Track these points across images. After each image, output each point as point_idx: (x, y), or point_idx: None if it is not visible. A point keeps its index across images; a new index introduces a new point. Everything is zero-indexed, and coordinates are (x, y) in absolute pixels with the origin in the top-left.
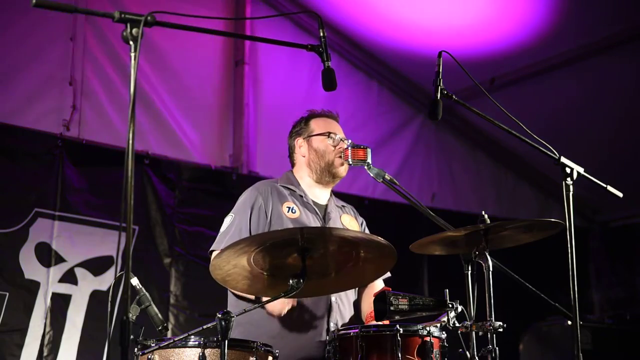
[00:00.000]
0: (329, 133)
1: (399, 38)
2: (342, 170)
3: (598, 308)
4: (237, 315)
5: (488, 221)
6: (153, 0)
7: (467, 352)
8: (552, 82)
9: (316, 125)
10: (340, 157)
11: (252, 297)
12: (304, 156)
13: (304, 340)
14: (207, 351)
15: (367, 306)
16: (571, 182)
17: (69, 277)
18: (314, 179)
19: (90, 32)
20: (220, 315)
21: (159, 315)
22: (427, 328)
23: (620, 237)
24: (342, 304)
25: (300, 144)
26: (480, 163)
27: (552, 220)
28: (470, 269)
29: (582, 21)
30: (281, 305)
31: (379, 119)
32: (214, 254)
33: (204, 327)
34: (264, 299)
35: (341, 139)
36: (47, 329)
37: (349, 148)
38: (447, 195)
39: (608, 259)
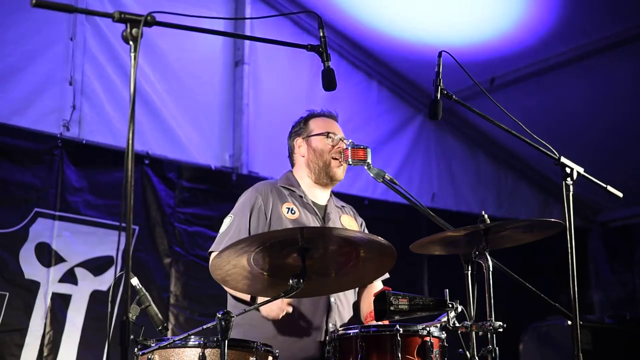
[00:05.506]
0: (328, 133)
1: (399, 38)
2: (339, 172)
3: (598, 308)
4: (237, 315)
5: (488, 221)
6: (153, 0)
7: (467, 352)
8: (552, 82)
9: (315, 125)
10: (338, 158)
11: (248, 298)
12: (303, 156)
13: (302, 341)
14: (207, 351)
15: (367, 306)
16: (571, 182)
17: (69, 277)
18: (313, 179)
19: (90, 32)
20: (220, 315)
21: (159, 315)
22: (427, 328)
23: (620, 237)
24: (342, 305)
25: (299, 144)
26: (480, 163)
27: (552, 220)
28: (470, 269)
29: (582, 21)
30: (277, 310)
31: (379, 119)
32: (213, 254)
33: (204, 327)
34: (260, 299)
35: (340, 139)
36: (47, 329)
37: (349, 148)
38: (447, 195)
39: (608, 259)
